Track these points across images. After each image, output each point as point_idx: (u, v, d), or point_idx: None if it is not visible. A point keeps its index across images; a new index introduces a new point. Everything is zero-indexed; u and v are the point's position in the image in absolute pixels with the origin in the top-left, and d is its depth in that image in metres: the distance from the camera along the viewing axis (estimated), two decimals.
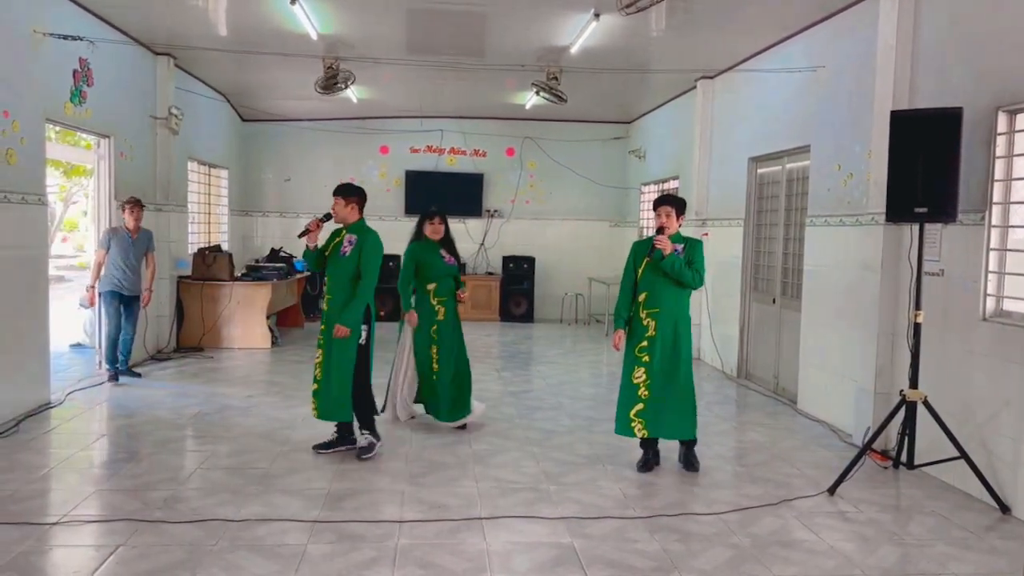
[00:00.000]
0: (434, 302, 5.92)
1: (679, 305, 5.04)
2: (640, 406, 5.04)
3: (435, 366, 5.92)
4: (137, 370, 7.60)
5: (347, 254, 5.18)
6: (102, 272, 7.24)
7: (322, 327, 5.26)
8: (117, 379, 7.29)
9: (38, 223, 6.33)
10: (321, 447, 5.33)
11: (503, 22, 7.36)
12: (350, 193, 5.28)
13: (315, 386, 5.28)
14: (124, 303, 7.32)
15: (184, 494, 4.45)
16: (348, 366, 5.14)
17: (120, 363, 7.36)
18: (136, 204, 7.32)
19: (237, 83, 10.65)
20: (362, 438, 5.26)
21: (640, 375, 5.04)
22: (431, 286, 5.90)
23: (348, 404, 5.19)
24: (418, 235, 5.97)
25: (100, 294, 7.26)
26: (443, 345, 5.92)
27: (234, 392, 7.11)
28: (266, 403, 6.72)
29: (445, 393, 5.91)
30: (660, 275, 4.99)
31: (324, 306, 5.32)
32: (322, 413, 5.27)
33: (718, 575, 3.61)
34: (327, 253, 5.29)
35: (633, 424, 5.06)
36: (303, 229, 5.33)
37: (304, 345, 9.82)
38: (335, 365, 5.15)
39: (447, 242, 6.00)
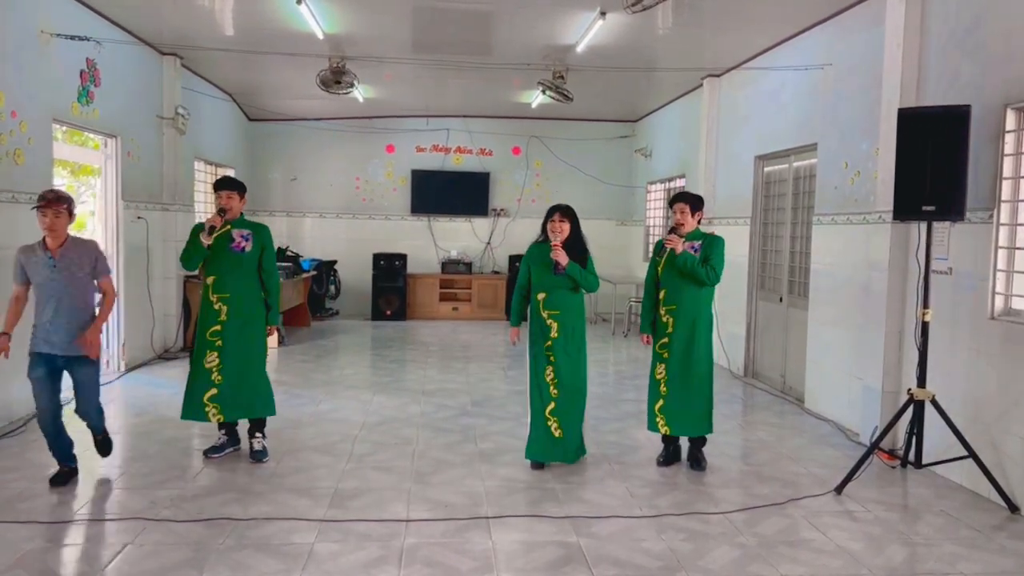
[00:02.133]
0: (544, 315, 5.03)
1: (697, 303, 5.07)
2: (661, 402, 5.13)
3: (553, 391, 5.03)
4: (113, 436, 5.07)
5: (246, 250, 4.99)
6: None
7: (216, 328, 4.96)
8: (66, 481, 4.56)
9: None
10: (212, 451, 5.13)
11: (509, 21, 7.36)
12: (244, 188, 5.13)
13: (214, 391, 4.98)
14: (64, 368, 4.52)
15: (191, 493, 4.46)
16: (263, 359, 5.10)
17: (99, 440, 4.92)
18: (52, 203, 4.38)
19: (243, 83, 10.67)
20: (256, 441, 5.13)
21: (661, 371, 5.14)
22: (540, 296, 5.04)
23: (271, 396, 5.16)
24: (543, 235, 5.10)
25: (29, 354, 4.53)
26: (561, 368, 5.03)
27: None
28: None
29: (571, 426, 5.08)
30: (677, 273, 5.03)
31: (219, 304, 4.97)
32: (235, 414, 5.05)
33: (725, 574, 3.60)
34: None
35: (657, 419, 5.15)
36: (211, 227, 4.89)
37: (311, 344, 9.84)
38: (250, 362, 5.04)
39: (575, 244, 5.03)
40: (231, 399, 5.03)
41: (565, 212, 5.03)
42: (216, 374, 5.00)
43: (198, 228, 5.05)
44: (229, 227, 5.01)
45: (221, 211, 5.01)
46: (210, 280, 5.02)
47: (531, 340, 5.13)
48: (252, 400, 5.09)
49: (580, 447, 5.20)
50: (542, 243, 5.10)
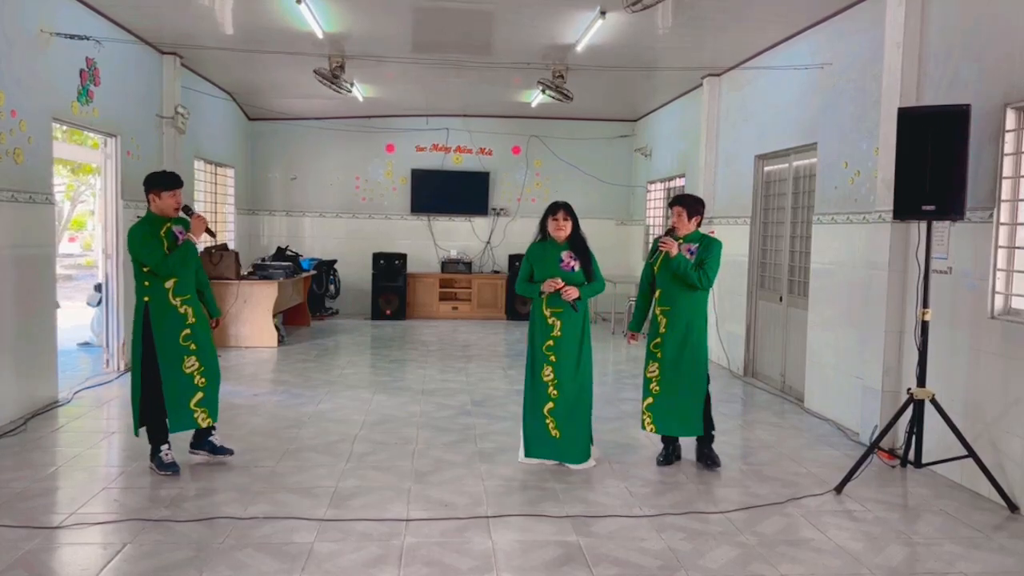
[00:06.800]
0: (547, 313, 5.00)
1: (692, 304, 5.06)
2: (650, 400, 5.14)
3: (552, 391, 5.01)
4: None
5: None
6: None
7: (186, 332, 4.80)
8: None
9: (45, 222, 6.36)
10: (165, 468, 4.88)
11: (509, 20, 7.35)
12: None
13: (200, 395, 4.86)
14: None
15: (191, 492, 4.47)
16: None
17: None
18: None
19: (243, 82, 10.67)
20: (215, 437, 5.07)
21: (653, 370, 5.15)
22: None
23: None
24: (541, 234, 5.08)
25: None
26: (561, 366, 5.01)
27: (240, 390, 7.12)
28: (272, 401, 6.74)
29: (567, 427, 5.02)
30: (672, 273, 5.01)
31: (184, 308, 4.81)
32: (216, 413, 4.98)
33: (725, 574, 3.60)
34: (167, 247, 4.77)
35: (643, 417, 5.16)
36: (215, 237, 5.05)
37: (311, 344, 9.84)
38: (216, 359, 4.98)
39: (576, 243, 5.01)
40: (214, 398, 4.96)
41: (568, 209, 5.01)
42: (199, 377, 4.86)
43: (161, 226, 4.78)
44: (169, 224, 4.85)
45: (187, 209, 4.93)
46: (170, 284, 4.78)
47: (530, 338, 5.11)
48: (217, 402, 5.01)
49: (584, 451, 5.08)
50: (543, 241, 5.08)
